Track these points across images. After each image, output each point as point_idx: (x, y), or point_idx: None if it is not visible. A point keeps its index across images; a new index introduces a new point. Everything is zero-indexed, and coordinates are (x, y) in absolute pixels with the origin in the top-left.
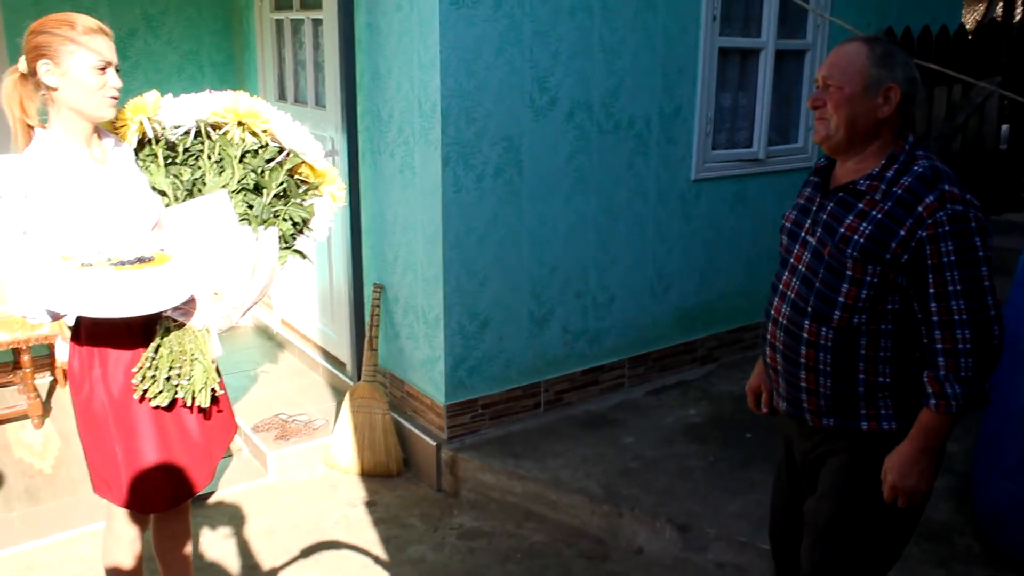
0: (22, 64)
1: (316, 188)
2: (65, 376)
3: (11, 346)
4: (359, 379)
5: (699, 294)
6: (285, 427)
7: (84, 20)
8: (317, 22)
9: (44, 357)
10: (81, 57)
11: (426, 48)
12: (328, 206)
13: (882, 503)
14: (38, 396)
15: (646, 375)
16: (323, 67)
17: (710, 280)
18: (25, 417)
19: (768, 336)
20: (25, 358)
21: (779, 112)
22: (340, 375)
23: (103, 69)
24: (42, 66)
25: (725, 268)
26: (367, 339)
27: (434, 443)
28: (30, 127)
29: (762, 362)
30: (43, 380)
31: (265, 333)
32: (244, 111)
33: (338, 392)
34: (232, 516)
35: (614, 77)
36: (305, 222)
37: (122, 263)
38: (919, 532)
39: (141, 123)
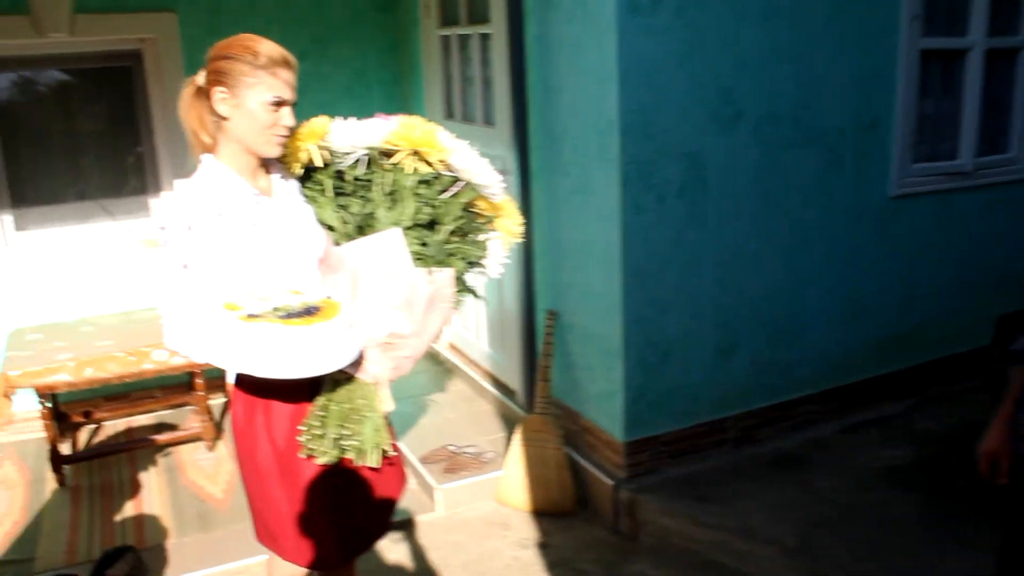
0: (201, 79)
1: (491, 222)
2: None
3: (186, 369)
4: (530, 409)
5: (898, 321)
6: (454, 459)
7: (269, 50)
8: (485, 37)
9: (218, 379)
10: (258, 92)
11: (602, 60)
12: (503, 242)
13: None
14: (211, 418)
15: (839, 410)
16: (492, 83)
17: (910, 306)
18: (199, 439)
19: None
20: (199, 380)
21: (989, 119)
22: (510, 403)
23: (277, 106)
24: (217, 93)
25: (927, 292)
26: (540, 368)
27: (611, 482)
28: (205, 144)
29: (1004, 423)
30: (217, 401)
31: (433, 358)
32: (419, 138)
33: (508, 421)
34: (398, 553)
35: (804, 86)
36: (480, 260)
37: (290, 315)
38: None
39: (309, 150)
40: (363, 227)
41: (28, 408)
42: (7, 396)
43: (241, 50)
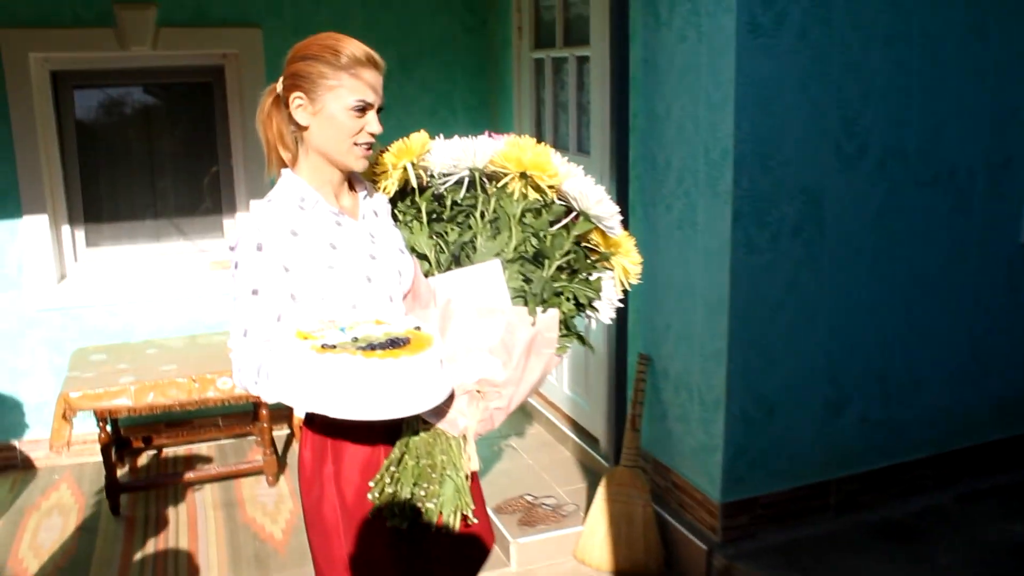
0: (279, 86)
1: (607, 260)
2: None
3: (251, 399)
4: (615, 460)
5: None
6: (531, 511)
7: (352, 48)
8: (583, 60)
9: (283, 409)
10: (339, 95)
11: (717, 84)
12: (618, 283)
13: None
14: (274, 452)
15: (955, 476)
16: (588, 109)
17: None
18: (260, 472)
19: None
20: (263, 411)
21: None
22: (592, 452)
23: (362, 111)
24: (295, 100)
25: None
26: (629, 417)
27: (704, 546)
28: (284, 159)
29: None
30: (281, 432)
31: None
32: (530, 160)
33: (589, 472)
34: None
35: (933, 119)
36: (590, 301)
37: (372, 347)
38: None
39: (405, 169)
40: (459, 257)
41: (90, 429)
42: (66, 419)
43: (320, 49)
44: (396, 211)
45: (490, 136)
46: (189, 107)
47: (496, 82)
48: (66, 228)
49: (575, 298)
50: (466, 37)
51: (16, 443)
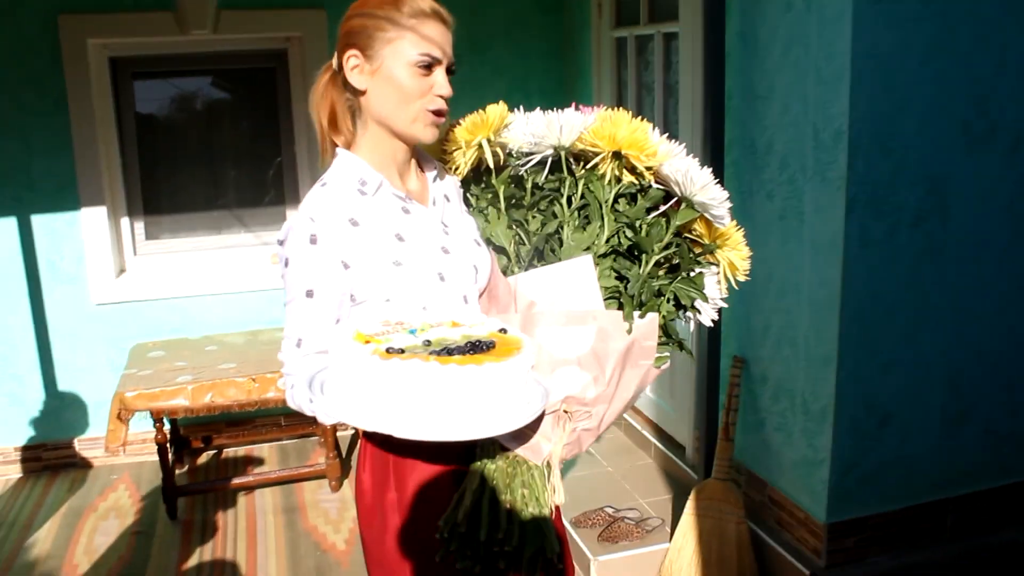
0: (335, 60)
1: (711, 253)
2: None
3: None
4: (705, 471)
5: None
6: (612, 525)
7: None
8: (670, 36)
9: None
10: (399, 48)
11: (829, 57)
12: (723, 279)
13: None
14: (338, 456)
15: None
16: (676, 90)
17: None
18: (323, 476)
19: None
20: None
21: None
22: (677, 461)
23: (428, 68)
24: (350, 60)
25: None
26: (721, 425)
27: (807, 570)
28: (340, 142)
29: None
30: (345, 433)
31: None
32: (626, 137)
33: (675, 482)
34: None
35: None
36: (692, 302)
37: (448, 351)
38: None
39: (480, 146)
40: (543, 251)
41: (149, 427)
42: (121, 419)
43: (377, 3)
44: (468, 195)
45: (578, 110)
46: (251, 94)
47: (574, 64)
48: (125, 220)
49: (675, 298)
50: (542, 18)
51: (76, 441)
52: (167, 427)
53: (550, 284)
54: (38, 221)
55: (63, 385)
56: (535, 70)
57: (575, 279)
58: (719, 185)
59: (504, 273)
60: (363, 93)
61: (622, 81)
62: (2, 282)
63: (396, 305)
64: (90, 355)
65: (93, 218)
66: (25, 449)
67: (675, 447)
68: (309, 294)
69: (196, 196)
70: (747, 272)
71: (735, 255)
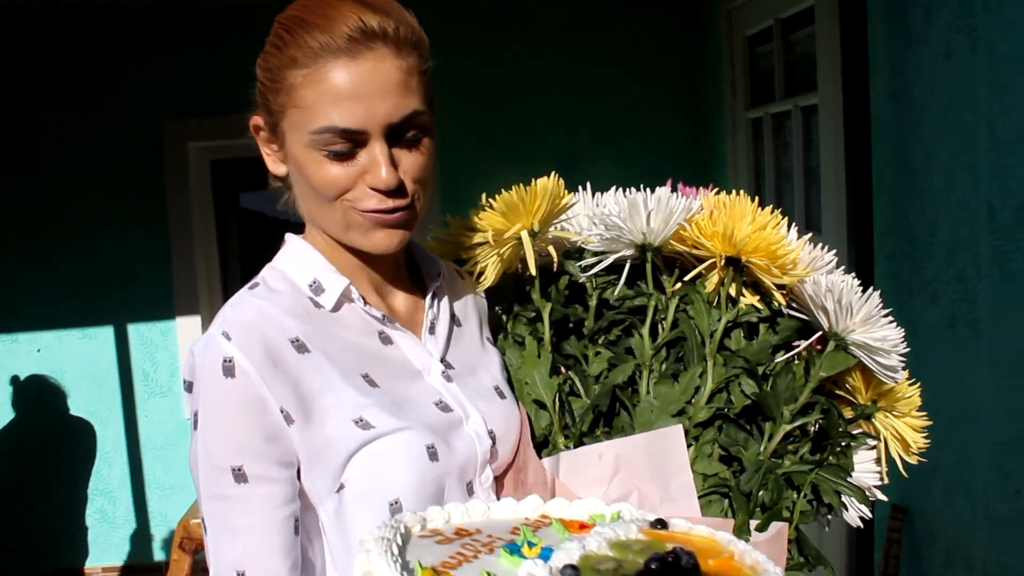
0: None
1: (867, 419)
2: None
3: None
4: None
5: None
6: None
7: (347, 18)
8: (809, 111)
9: None
10: (293, 121)
11: (1005, 112)
12: (886, 458)
13: None
14: None
15: None
16: (817, 173)
17: None
18: None
19: None
20: None
21: None
22: None
23: (347, 143)
24: (258, 132)
25: None
26: None
27: None
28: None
29: None
30: None
31: None
32: (748, 237)
33: None
34: None
35: None
36: (838, 491)
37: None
38: None
39: (519, 241)
40: (604, 412)
41: None
42: (184, 548)
43: (291, 20)
44: (497, 315)
45: (681, 190)
46: None
47: (708, 152)
48: None
49: (815, 491)
50: (673, 104)
51: (165, 566)
52: None
53: (618, 467)
54: (134, 331)
55: (153, 505)
56: (665, 161)
57: (655, 461)
58: (889, 319)
59: (542, 443)
60: (284, 181)
61: (760, 168)
62: (98, 392)
63: (364, 501)
64: (182, 473)
65: (187, 328)
66: (113, 570)
67: None
68: (239, 475)
69: None
70: (923, 449)
71: (906, 424)
